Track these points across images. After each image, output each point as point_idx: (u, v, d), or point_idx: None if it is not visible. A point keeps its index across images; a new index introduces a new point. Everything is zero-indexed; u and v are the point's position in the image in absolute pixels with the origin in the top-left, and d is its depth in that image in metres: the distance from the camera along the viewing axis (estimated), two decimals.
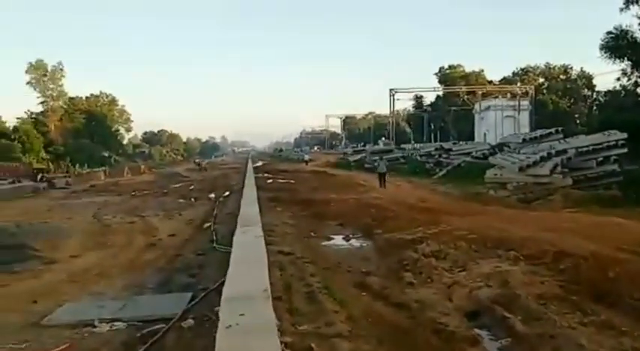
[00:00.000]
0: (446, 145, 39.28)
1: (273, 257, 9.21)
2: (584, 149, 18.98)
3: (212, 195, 24.49)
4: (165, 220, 16.84)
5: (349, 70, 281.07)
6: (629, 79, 45.04)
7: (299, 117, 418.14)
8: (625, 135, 19.13)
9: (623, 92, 73.44)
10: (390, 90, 59.05)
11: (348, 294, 7.52)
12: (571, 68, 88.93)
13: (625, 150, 19.00)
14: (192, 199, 23.39)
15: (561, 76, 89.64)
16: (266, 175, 38.91)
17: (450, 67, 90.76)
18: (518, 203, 17.61)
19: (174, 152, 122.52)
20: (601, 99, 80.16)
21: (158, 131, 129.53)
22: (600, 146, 18.96)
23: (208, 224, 15.16)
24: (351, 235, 12.82)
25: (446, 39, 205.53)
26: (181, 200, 23.27)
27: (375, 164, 23.44)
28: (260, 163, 67.54)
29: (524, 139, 24.86)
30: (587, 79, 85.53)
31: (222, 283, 6.22)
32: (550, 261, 8.24)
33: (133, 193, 27.20)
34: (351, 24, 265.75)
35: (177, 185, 32.92)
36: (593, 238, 9.67)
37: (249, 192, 21.36)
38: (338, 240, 12.52)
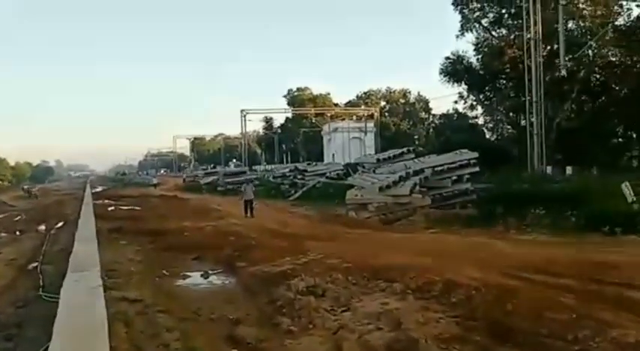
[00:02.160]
0: (300, 166, 38.94)
1: (115, 307, 7.41)
2: (439, 168, 19.34)
3: (42, 227, 21.34)
4: None
5: (196, 90, 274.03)
6: (465, 102, 49.00)
7: (143, 139, 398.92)
8: (476, 154, 19.88)
9: (455, 115, 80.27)
10: (242, 111, 58.10)
11: None
12: (409, 92, 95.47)
13: (477, 169, 19.71)
14: (17, 233, 20.09)
15: (401, 100, 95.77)
16: (107, 201, 35.47)
17: (298, 89, 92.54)
18: (380, 224, 17.28)
19: (0, 178, 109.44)
20: (437, 122, 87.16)
21: None
22: (454, 165, 19.45)
23: (34, 265, 12.61)
24: (210, 271, 11.13)
25: (292, 60, 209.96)
26: (3, 234, 19.87)
27: (241, 189, 21.61)
28: (100, 189, 62.36)
29: (378, 159, 25.08)
30: (424, 103, 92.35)
31: None
32: (440, 293, 7.48)
33: None
34: (198, 39, 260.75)
35: None
36: (472, 263, 9.24)
37: (87, 222, 18.75)
38: (196, 277, 10.77)
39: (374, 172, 23.08)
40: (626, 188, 14.48)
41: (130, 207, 29.67)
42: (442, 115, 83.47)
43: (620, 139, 41.77)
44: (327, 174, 32.58)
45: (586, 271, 8.45)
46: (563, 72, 27.71)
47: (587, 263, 9.11)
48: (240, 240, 14.73)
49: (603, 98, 39.50)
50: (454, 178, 19.41)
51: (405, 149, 25.80)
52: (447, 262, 9.74)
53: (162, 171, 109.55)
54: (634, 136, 41.01)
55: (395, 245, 12.64)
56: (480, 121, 58.22)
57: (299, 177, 35.38)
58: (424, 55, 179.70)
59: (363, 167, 26.24)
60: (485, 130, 60.74)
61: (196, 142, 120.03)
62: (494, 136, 57.63)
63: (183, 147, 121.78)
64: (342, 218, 19.36)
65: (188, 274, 11.10)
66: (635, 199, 14.21)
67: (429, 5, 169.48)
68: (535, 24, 24.32)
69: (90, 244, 12.55)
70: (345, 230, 16.13)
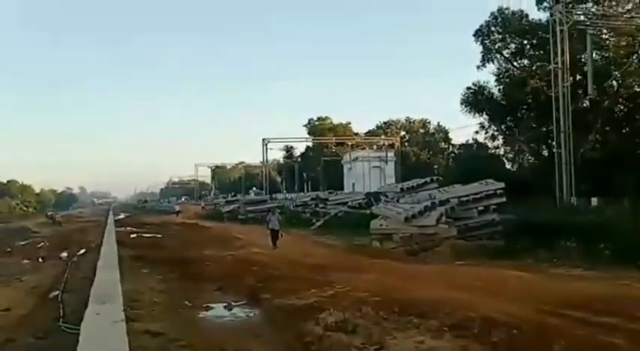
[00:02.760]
0: (322, 195, 38.78)
1: (137, 341, 7.15)
2: (465, 199, 18.97)
3: (64, 254, 21.31)
4: None
5: (218, 119, 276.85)
6: (486, 132, 48.63)
7: (165, 166, 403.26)
8: (502, 184, 19.48)
9: (475, 145, 79.77)
10: (263, 139, 58.24)
11: None
12: (429, 122, 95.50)
13: (504, 199, 19.29)
14: (40, 260, 20.08)
15: (420, 130, 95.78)
16: (129, 228, 35.58)
17: (319, 119, 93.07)
18: (405, 256, 16.89)
19: (25, 204, 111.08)
20: (456, 151, 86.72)
21: (7, 182, 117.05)
22: (480, 195, 19.07)
23: (56, 293, 12.48)
24: (233, 303, 10.86)
25: (314, 91, 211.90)
26: (26, 261, 19.85)
27: (267, 219, 20.79)
28: (123, 216, 62.72)
29: (401, 189, 24.79)
30: (443, 133, 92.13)
31: None
32: (478, 331, 7.09)
33: None
34: (218, 73, 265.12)
35: (23, 243, 28.61)
36: (508, 298, 8.86)
37: (109, 250, 18.71)
38: (219, 309, 10.50)
39: (397, 201, 22.76)
40: None
41: (151, 234, 29.68)
42: (461, 145, 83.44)
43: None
44: (349, 203, 32.30)
45: (627, 308, 8.01)
46: (587, 102, 27.34)
47: (627, 299, 8.67)
48: (263, 270, 14.48)
49: (627, 129, 38.98)
50: (480, 208, 19.00)
51: (428, 179, 25.50)
52: (480, 296, 9.37)
53: (183, 199, 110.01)
54: None
55: (424, 278, 12.28)
56: (500, 151, 57.74)
57: (320, 206, 35.18)
58: (444, 86, 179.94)
59: (386, 196, 25.92)
60: (505, 161, 60.24)
61: (217, 171, 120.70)
62: (514, 167, 57.04)
63: (204, 175, 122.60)
64: (365, 248, 19.00)
65: (211, 305, 10.83)
66: None
67: (448, 36, 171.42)
68: (563, 53, 24.06)
69: (112, 272, 12.43)
70: (369, 261, 15.78)
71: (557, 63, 24.50)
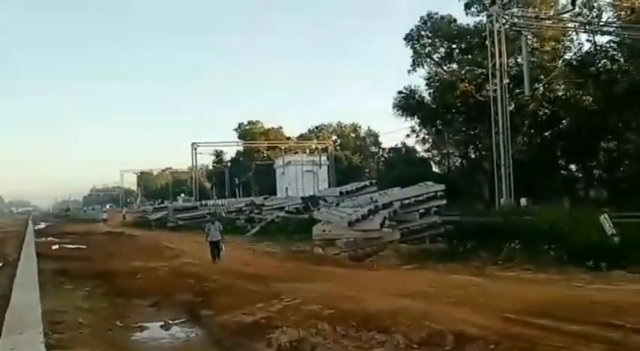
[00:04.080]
0: (257, 200, 37.65)
1: None
2: (407, 201, 18.61)
3: None
4: None
5: (142, 123, 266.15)
6: (417, 136, 49.35)
7: (88, 174, 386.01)
8: (443, 186, 19.31)
9: (404, 149, 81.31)
10: (193, 144, 56.28)
11: None
12: (360, 127, 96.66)
13: (444, 201, 19.10)
14: None
15: (351, 134, 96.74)
16: (51, 239, 33.18)
17: (250, 123, 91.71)
18: (350, 261, 16.28)
19: None
20: (386, 155, 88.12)
21: None
22: (421, 198, 18.78)
23: None
24: (171, 321, 9.80)
25: (243, 96, 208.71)
26: None
27: (206, 229, 18.29)
28: (44, 225, 58.91)
29: (341, 192, 24.24)
30: (374, 137, 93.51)
31: None
32: (452, 348, 6.50)
33: None
34: (142, 74, 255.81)
35: None
36: (466, 307, 8.42)
37: (28, 264, 17.13)
38: (155, 329, 9.40)
39: (337, 205, 22.20)
40: (605, 221, 14.11)
41: (75, 245, 27.59)
42: (391, 149, 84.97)
43: (563, 171, 42.87)
44: (286, 208, 31.46)
45: (593, 313, 7.72)
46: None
47: (589, 304, 8.40)
48: (201, 283, 13.43)
49: (550, 132, 40.59)
50: (421, 211, 18.72)
51: (367, 182, 25.17)
52: (438, 305, 8.88)
53: (108, 206, 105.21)
54: (580, 168, 42.13)
55: (373, 285, 11.67)
56: (428, 154, 58.90)
57: (256, 211, 34.12)
58: (374, 90, 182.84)
59: (325, 200, 25.33)
60: (433, 164, 61.47)
61: (143, 177, 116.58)
62: (442, 170, 58.28)
63: (130, 182, 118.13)
64: (307, 255, 18.25)
65: (145, 325, 9.71)
66: (614, 231, 13.84)
67: (382, 39, 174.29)
68: (500, 55, 24.40)
69: (30, 291, 11.10)
70: (314, 268, 15.03)
71: (494, 63, 24.80)
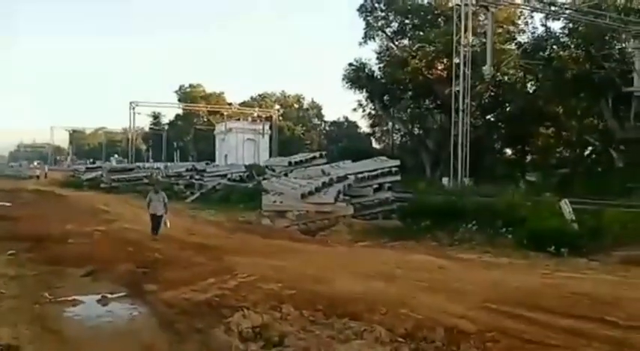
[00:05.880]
0: (199, 166, 36.13)
1: None
2: (361, 176, 17.97)
3: None
4: None
5: (75, 75, 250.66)
6: (364, 110, 48.84)
7: (15, 128, 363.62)
8: (397, 162, 18.80)
9: (346, 123, 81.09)
10: (131, 103, 53.58)
11: None
12: (303, 98, 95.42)
13: (398, 177, 18.60)
14: None
15: (295, 105, 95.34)
16: None
17: (191, 85, 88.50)
18: (300, 235, 15.50)
19: None
20: (327, 128, 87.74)
21: None
22: (375, 173, 18.19)
23: None
24: (109, 294, 8.70)
25: (184, 56, 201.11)
26: None
27: (147, 199, 15.05)
28: None
29: (289, 163, 23.28)
30: (317, 109, 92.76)
31: None
32: (444, 344, 5.80)
33: None
34: (83, 28, 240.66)
35: None
36: (441, 293, 7.90)
37: None
38: (91, 304, 8.26)
39: (286, 176, 21.30)
40: (565, 206, 13.97)
41: None
42: (333, 123, 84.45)
43: (501, 154, 43.82)
44: (229, 176, 30.23)
45: (581, 307, 7.20)
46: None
47: (571, 295, 7.92)
48: (142, 251, 12.32)
49: (493, 114, 41.17)
50: (375, 186, 18.15)
51: (317, 153, 24.33)
52: (409, 289, 8.24)
53: (35, 163, 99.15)
54: (517, 152, 43.16)
55: (333, 262, 10.93)
56: (369, 130, 58.81)
57: (197, 177, 32.68)
58: (319, 61, 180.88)
59: (273, 170, 24.34)
60: (373, 140, 61.40)
61: (75, 135, 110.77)
62: (383, 146, 58.29)
63: (60, 139, 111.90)
64: (254, 226, 17.33)
65: (79, 298, 8.55)
66: (574, 217, 13.71)
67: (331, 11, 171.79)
68: (466, 30, 23.90)
69: None
70: (265, 241, 14.12)
71: (459, 38, 24.28)
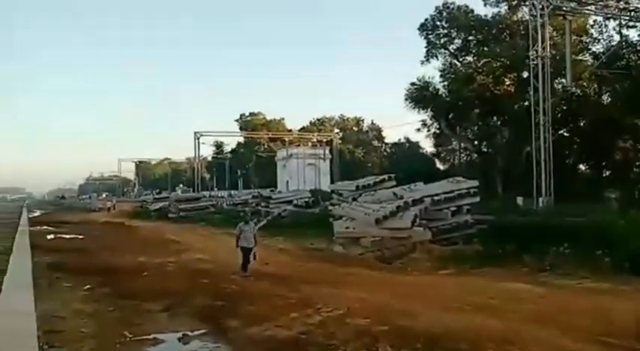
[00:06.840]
0: (264, 193, 36.15)
1: None
2: (437, 198, 17.10)
3: None
4: None
5: (142, 112, 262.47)
6: (428, 130, 47.73)
7: (83, 162, 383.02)
8: (476, 183, 17.83)
9: (407, 144, 79.65)
10: (195, 133, 54.79)
11: None
12: (362, 120, 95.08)
13: (477, 199, 17.59)
14: None
15: (354, 128, 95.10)
16: (46, 228, 31.57)
17: (251, 114, 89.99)
18: (377, 263, 14.75)
19: None
20: (388, 150, 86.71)
21: None
22: (452, 195, 17.27)
23: None
24: (190, 333, 8.29)
25: (245, 87, 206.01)
26: None
27: (237, 231, 13.65)
28: (38, 213, 57.21)
29: (357, 187, 22.61)
30: (377, 131, 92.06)
31: None
32: None
33: None
34: (147, 59, 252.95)
35: None
36: (552, 326, 6.93)
37: (21, 256, 15.51)
38: (173, 344, 7.88)
39: (355, 200, 20.62)
40: None
41: (72, 236, 26.01)
42: (394, 144, 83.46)
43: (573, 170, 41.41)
44: (294, 202, 29.96)
45: None
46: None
47: None
48: (217, 284, 11.90)
49: (566, 129, 39.12)
50: (453, 209, 17.21)
51: (385, 176, 23.51)
52: (514, 323, 7.38)
53: (104, 195, 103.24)
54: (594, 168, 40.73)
55: (420, 293, 10.16)
56: (433, 150, 57.58)
57: (262, 204, 32.61)
58: (378, 82, 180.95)
59: (340, 195, 23.75)
60: (437, 160, 59.90)
61: (141, 166, 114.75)
62: (447, 166, 56.76)
63: (127, 171, 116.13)
64: (326, 254, 16.75)
65: (160, 337, 8.17)
66: None
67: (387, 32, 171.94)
68: (543, 41, 22.83)
69: (23, 292, 9.63)
70: (339, 270, 13.48)
71: (536, 51, 23.18)
